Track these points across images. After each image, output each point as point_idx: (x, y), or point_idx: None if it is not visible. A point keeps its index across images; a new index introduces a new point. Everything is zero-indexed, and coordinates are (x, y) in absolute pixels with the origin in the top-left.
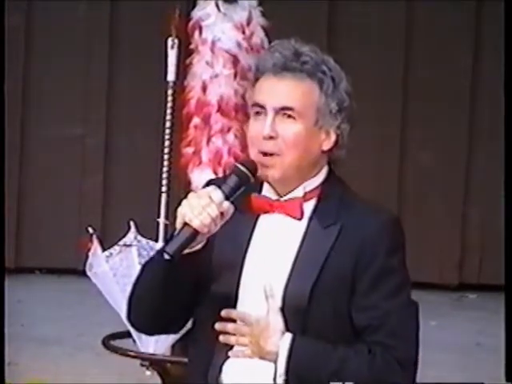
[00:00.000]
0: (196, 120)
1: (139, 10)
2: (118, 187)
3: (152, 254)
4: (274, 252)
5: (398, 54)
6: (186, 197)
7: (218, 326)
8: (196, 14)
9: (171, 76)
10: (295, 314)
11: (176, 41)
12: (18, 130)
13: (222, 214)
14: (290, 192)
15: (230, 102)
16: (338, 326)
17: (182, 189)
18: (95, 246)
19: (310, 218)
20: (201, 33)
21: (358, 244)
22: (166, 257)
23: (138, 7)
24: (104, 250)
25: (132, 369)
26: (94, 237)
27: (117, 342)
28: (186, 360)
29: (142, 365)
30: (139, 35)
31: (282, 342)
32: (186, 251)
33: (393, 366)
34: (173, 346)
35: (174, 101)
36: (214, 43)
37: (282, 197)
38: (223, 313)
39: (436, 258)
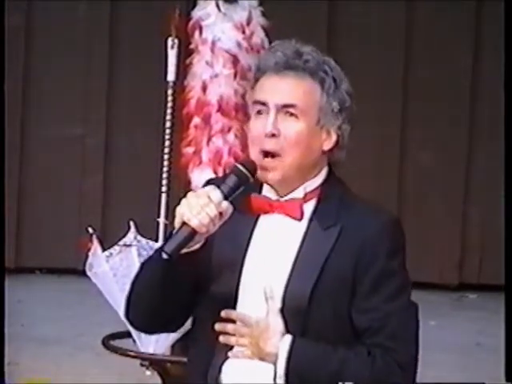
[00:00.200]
0: (196, 120)
1: (139, 10)
2: (118, 187)
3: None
4: (273, 253)
5: (398, 53)
6: (185, 196)
7: (217, 326)
8: (196, 13)
9: (171, 76)
10: (295, 315)
11: (176, 41)
12: (18, 130)
13: (220, 213)
14: (290, 192)
15: (230, 101)
16: (338, 327)
17: (182, 189)
18: (95, 245)
19: (310, 219)
20: (201, 33)
21: (358, 245)
22: (164, 256)
23: (138, 7)
24: (104, 249)
25: (132, 369)
26: (94, 237)
27: (117, 342)
28: (185, 360)
29: (142, 365)
30: (139, 35)
31: (281, 344)
32: (185, 250)
33: (393, 367)
34: (173, 346)
35: (174, 101)
36: (214, 43)
37: (282, 197)
38: (223, 313)
39: (436, 258)
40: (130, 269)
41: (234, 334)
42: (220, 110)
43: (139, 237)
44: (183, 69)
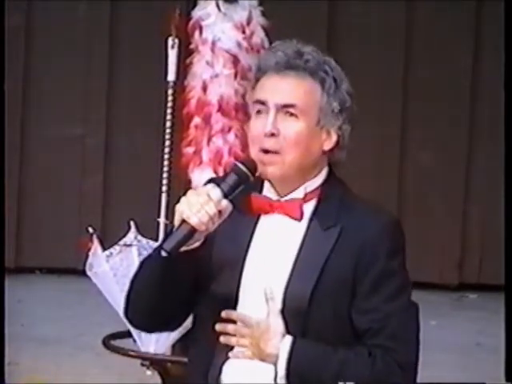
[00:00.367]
0: (196, 120)
1: (139, 10)
2: (118, 187)
3: None
4: (274, 253)
5: (398, 53)
6: (185, 195)
7: (218, 326)
8: (196, 13)
9: (171, 76)
10: (295, 316)
11: (176, 40)
12: (18, 130)
13: (220, 212)
14: (290, 192)
15: (230, 101)
16: (338, 328)
17: (182, 189)
18: (95, 245)
19: (310, 220)
20: (201, 32)
21: (359, 246)
22: (164, 254)
23: (138, 7)
24: (104, 249)
25: (132, 369)
26: (94, 237)
27: (117, 342)
28: (186, 360)
29: (143, 364)
30: (139, 35)
31: (282, 345)
32: (184, 248)
33: (393, 368)
34: (173, 346)
35: (174, 101)
36: (214, 43)
37: (282, 197)
38: (223, 314)
39: (436, 258)
40: (130, 269)
41: (234, 335)
42: (220, 109)
43: (139, 237)
44: (183, 69)
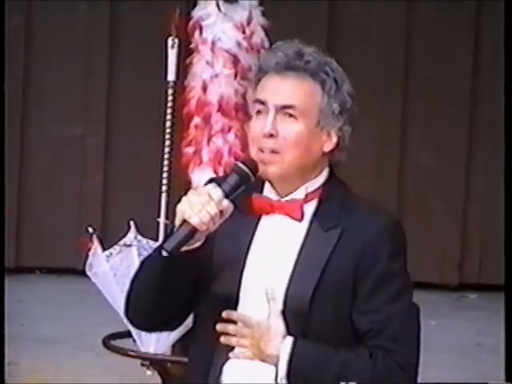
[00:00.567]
0: (196, 120)
1: (139, 10)
2: (118, 187)
3: None
4: (275, 254)
5: (398, 54)
6: (186, 194)
7: (218, 327)
8: (196, 13)
9: (171, 76)
10: (296, 316)
11: (176, 40)
12: (18, 130)
13: (221, 212)
14: (290, 193)
15: (230, 101)
16: (339, 329)
17: (182, 189)
18: (95, 245)
19: (311, 221)
20: (201, 32)
21: (359, 247)
22: (164, 253)
23: (138, 7)
24: (104, 249)
25: (132, 369)
26: (94, 236)
27: (117, 342)
28: (186, 360)
29: (143, 364)
30: (139, 35)
31: (283, 346)
32: (185, 248)
33: (394, 369)
34: (173, 346)
35: (174, 101)
36: (214, 43)
37: (282, 197)
38: (224, 314)
39: (436, 258)
40: (130, 269)
41: (234, 335)
42: (220, 109)
43: (139, 237)
44: (183, 69)
